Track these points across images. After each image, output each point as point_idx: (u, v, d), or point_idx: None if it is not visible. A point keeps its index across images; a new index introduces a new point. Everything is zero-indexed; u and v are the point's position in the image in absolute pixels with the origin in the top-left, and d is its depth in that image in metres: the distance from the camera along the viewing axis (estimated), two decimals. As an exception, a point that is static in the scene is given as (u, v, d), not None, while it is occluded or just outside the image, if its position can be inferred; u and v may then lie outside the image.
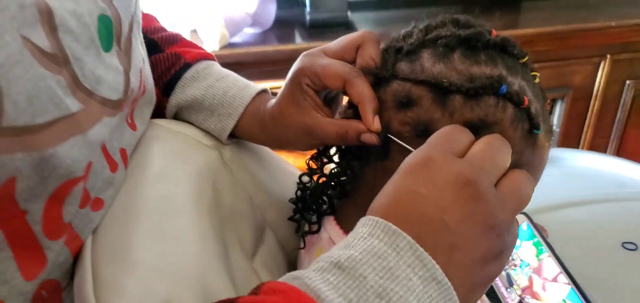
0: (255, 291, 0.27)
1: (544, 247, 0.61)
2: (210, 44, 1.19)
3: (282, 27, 1.35)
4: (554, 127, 1.44)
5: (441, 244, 0.29)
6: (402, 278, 0.27)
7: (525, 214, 0.65)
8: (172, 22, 1.21)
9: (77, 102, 0.31)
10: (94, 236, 0.37)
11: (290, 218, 0.54)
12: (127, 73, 0.38)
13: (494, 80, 0.39)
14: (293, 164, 0.66)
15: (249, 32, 1.31)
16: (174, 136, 0.51)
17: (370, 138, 0.42)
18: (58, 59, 0.29)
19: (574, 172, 0.89)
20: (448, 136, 0.35)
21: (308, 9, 1.27)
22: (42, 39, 0.28)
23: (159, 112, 0.54)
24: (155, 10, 1.18)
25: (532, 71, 0.44)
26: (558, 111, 1.42)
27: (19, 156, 0.27)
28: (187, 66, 0.54)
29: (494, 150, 0.34)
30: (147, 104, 0.49)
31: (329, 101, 0.51)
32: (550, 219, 0.73)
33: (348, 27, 1.29)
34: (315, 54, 0.46)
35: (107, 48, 0.35)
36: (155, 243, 0.37)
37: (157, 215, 0.39)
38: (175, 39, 0.58)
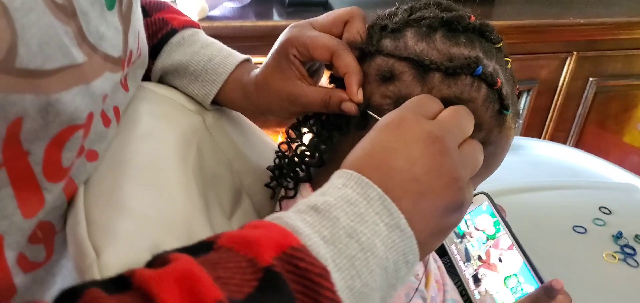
0: (241, 228, 0.31)
1: (502, 225, 0.66)
2: (189, 15, 1.20)
3: (261, 3, 1.36)
4: (519, 119, 1.52)
5: (408, 192, 0.33)
6: (370, 223, 0.31)
7: (486, 194, 0.71)
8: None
9: (82, 54, 0.33)
10: (87, 184, 0.40)
11: (267, 185, 0.57)
12: (126, 34, 0.40)
13: (471, 61, 0.43)
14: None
15: (228, 6, 1.32)
16: (160, 98, 0.53)
17: (350, 108, 0.45)
18: (67, 11, 0.31)
19: (534, 160, 0.96)
20: (420, 102, 0.39)
21: (288, -14, 1.29)
22: None
23: (144, 75, 0.56)
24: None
25: (505, 57, 0.48)
26: (524, 102, 1.50)
27: (28, 97, 0.29)
28: (174, 31, 0.56)
29: (460, 116, 0.38)
30: (140, 67, 0.51)
31: (312, 73, 0.54)
32: (510, 201, 0.79)
33: (326, 7, 1.31)
34: (303, 26, 0.49)
35: (110, 6, 0.37)
36: (144, 193, 0.40)
37: (145, 168, 0.42)
38: (162, 5, 0.59)
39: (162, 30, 0.56)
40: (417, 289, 0.50)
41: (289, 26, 0.50)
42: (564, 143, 1.61)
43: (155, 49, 0.55)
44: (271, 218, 0.31)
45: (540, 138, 1.58)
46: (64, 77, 0.31)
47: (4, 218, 0.33)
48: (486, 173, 0.50)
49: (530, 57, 1.42)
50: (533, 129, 1.55)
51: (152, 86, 0.55)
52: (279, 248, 0.27)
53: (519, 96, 1.49)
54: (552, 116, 1.56)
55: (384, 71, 0.45)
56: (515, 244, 0.64)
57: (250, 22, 1.25)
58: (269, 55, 0.51)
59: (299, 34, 0.48)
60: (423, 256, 0.35)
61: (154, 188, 0.41)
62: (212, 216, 0.47)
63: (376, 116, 0.45)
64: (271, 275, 0.26)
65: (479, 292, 0.62)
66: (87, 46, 0.34)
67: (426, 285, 0.55)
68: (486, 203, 0.70)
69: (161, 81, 0.57)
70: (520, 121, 1.52)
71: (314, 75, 0.54)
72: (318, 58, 0.47)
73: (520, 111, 1.51)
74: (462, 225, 0.70)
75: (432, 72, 0.44)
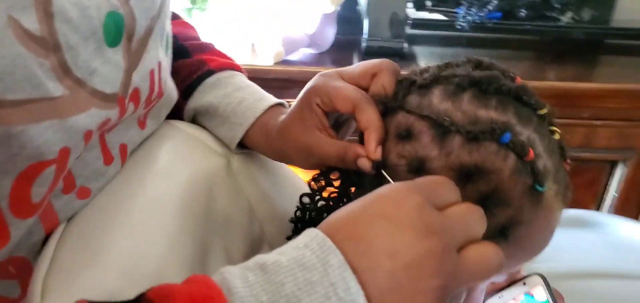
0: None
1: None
2: (266, 59, 1.24)
3: (340, 50, 1.36)
4: (613, 192, 1.33)
5: (377, 279, 0.29)
6: (320, 294, 0.27)
7: (541, 276, 0.61)
8: (233, 36, 1.27)
9: (61, 88, 0.32)
10: (69, 221, 0.39)
11: (288, 238, 0.54)
12: (129, 72, 0.40)
13: (498, 126, 0.38)
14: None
15: (306, 52, 1.34)
16: (185, 137, 0.54)
17: (365, 164, 0.42)
18: (47, 44, 0.30)
19: (618, 242, 0.82)
20: (434, 184, 0.34)
21: (365, 35, 1.28)
22: (32, 22, 0.29)
23: (178, 115, 0.56)
24: (216, 22, 1.25)
25: (551, 125, 0.43)
26: (618, 175, 1.31)
27: None
28: (210, 72, 0.56)
29: (471, 217, 0.34)
30: (165, 107, 0.52)
31: (340, 125, 0.52)
32: (574, 288, 0.68)
33: (403, 58, 1.28)
34: (330, 76, 0.48)
35: (113, 44, 0.37)
36: (124, 237, 0.38)
37: (138, 210, 0.41)
38: (205, 47, 0.60)
39: (198, 71, 0.56)
40: None
41: (318, 74, 0.49)
42: (671, 224, 1.38)
43: (189, 89, 0.56)
44: (218, 271, 0.29)
45: (638, 217, 1.37)
46: (31, 109, 0.30)
47: None
48: (521, 255, 0.43)
49: (629, 123, 1.24)
50: (630, 207, 1.35)
51: (181, 124, 0.55)
52: None
53: (613, 167, 1.31)
54: (655, 193, 1.34)
55: (402, 129, 0.42)
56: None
57: (325, 69, 1.24)
58: (294, 102, 0.50)
59: (325, 83, 0.47)
60: None
61: (135, 232, 0.39)
62: (209, 267, 0.45)
63: (389, 178, 0.42)
64: None
65: None
66: (71, 80, 0.33)
67: None
68: (541, 287, 0.60)
69: (193, 122, 0.57)
70: (615, 194, 1.33)
71: (341, 127, 0.52)
72: (340, 110, 0.45)
73: (614, 184, 1.33)
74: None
75: (452, 134, 0.39)
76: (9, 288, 0.39)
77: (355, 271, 0.28)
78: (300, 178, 0.68)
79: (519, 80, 0.44)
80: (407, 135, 0.41)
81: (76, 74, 0.33)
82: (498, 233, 0.40)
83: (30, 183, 0.33)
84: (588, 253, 0.77)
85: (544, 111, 0.42)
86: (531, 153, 0.38)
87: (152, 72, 0.44)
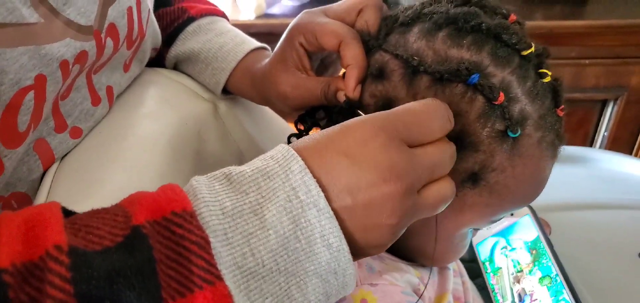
0: None
1: (544, 245, 0.60)
2: (247, 12, 1.24)
3: (320, 2, 1.36)
4: (603, 131, 1.37)
5: (337, 213, 0.30)
6: (282, 198, 0.28)
7: (529, 207, 0.64)
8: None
9: (36, 15, 0.34)
10: (64, 158, 0.42)
11: None
12: (105, 6, 0.41)
13: (466, 66, 0.37)
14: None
15: (287, 4, 1.34)
16: (171, 84, 0.55)
17: (341, 98, 0.43)
18: None
19: (605, 175, 0.86)
20: (420, 116, 0.34)
21: (348, -17, 1.28)
22: None
23: (159, 63, 0.58)
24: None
25: (540, 67, 0.41)
26: (609, 113, 1.35)
27: None
28: (191, 19, 0.58)
29: (440, 158, 0.34)
30: (148, 50, 0.53)
31: (325, 66, 0.53)
32: (561, 219, 0.71)
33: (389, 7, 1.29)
34: (314, 13, 0.48)
35: None
36: (117, 173, 0.41)
37: (129, 148, 0.44)
38: None
39: (179, 18, 0.58)
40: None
41: (302, 12, 0.49)
42: (661, 161, 1.43)
43: (171, 37, 0.57)
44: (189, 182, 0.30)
45: (630, 154, 1.42)
46: (6, 33, 0.32)
47: None
48: (501, 204, 0.42)
49: (619, 61, 1.28)
50: (621, 144, 1.40)
51: (165, 72, 0.57)
52: (159, 212, 0.27)
53: (604, 105, 1.35)
54: (644, 130, 1.39)
55: (375, 68, 0.42)
56: (555, 265, 0.58)
57: (308, 20, 1.25)
58: (278, 43, 0.50)
59: (309, 20, 0.47)
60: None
61: (127, 168, 0.42)
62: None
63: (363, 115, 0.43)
64: (136, 235, 0.26)
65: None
66: (46, 8, 0.35)
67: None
68: (527, 217, 0.64)
69: (175, 69, 0.59)
70: (605, 134, 1.37)
71: (328, 67, 0.53)
72: (325, 46, 0.45)
73: (605, 123, 1.37)
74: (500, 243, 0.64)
75: (420, 75, 0.39)
76: None
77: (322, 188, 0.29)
78: (284, 121, 0.70)
79: (513, 17, 0.42)
80: (379, 75, 0.42)
81: (50, 2, 0.35)
82: (467, 178, 0.40)
83: (15, 114, 0.35)
84: (578, 186, 0.81)
85: (528, 52, 0.39)
86: (501, 97, 0.37)
87: (129, 10, 0.45)
